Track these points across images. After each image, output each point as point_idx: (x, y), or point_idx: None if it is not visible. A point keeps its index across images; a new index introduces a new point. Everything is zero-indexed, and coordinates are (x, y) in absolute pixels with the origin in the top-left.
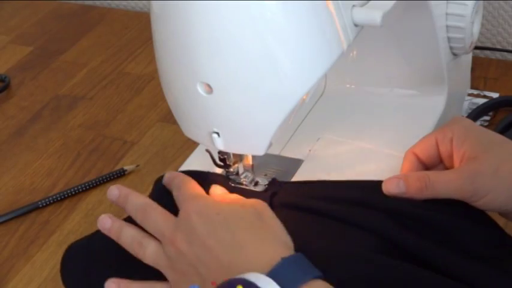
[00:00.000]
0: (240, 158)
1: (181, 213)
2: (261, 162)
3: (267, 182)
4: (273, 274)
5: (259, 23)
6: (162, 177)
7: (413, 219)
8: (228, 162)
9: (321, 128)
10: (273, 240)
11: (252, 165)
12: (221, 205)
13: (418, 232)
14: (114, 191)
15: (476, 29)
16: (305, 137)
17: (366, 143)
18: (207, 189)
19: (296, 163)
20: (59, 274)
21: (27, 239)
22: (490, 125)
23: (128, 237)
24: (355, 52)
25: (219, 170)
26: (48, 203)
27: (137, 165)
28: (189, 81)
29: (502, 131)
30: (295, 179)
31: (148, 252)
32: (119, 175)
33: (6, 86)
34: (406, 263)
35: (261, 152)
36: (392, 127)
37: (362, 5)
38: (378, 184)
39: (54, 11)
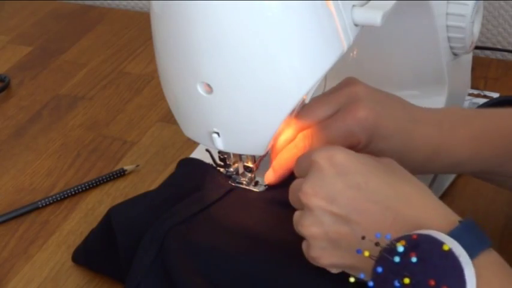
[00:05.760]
0: (240, 157)
1: (315, 163)
2: (261, 162)
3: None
4: (453, 236)
5: (259, 23)
6: (185, 159)
7: None
8: (228, 162)
9: None
10: (431, 196)
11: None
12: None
13: None
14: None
15: (476, 28)
16: None
17: None
18: (206, 181)
19: None
20: (59, 274)
21: (27, 239)
22: None
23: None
24: (355, 52)
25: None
26: (48, 203)
27: (137, 165)
28: (189, 81)
29: None
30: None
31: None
32: (118, 175)
33: (6, 86)
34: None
35: (261, 152)
36: None
37: (362, 5)
38: None
39: (54, 11)
